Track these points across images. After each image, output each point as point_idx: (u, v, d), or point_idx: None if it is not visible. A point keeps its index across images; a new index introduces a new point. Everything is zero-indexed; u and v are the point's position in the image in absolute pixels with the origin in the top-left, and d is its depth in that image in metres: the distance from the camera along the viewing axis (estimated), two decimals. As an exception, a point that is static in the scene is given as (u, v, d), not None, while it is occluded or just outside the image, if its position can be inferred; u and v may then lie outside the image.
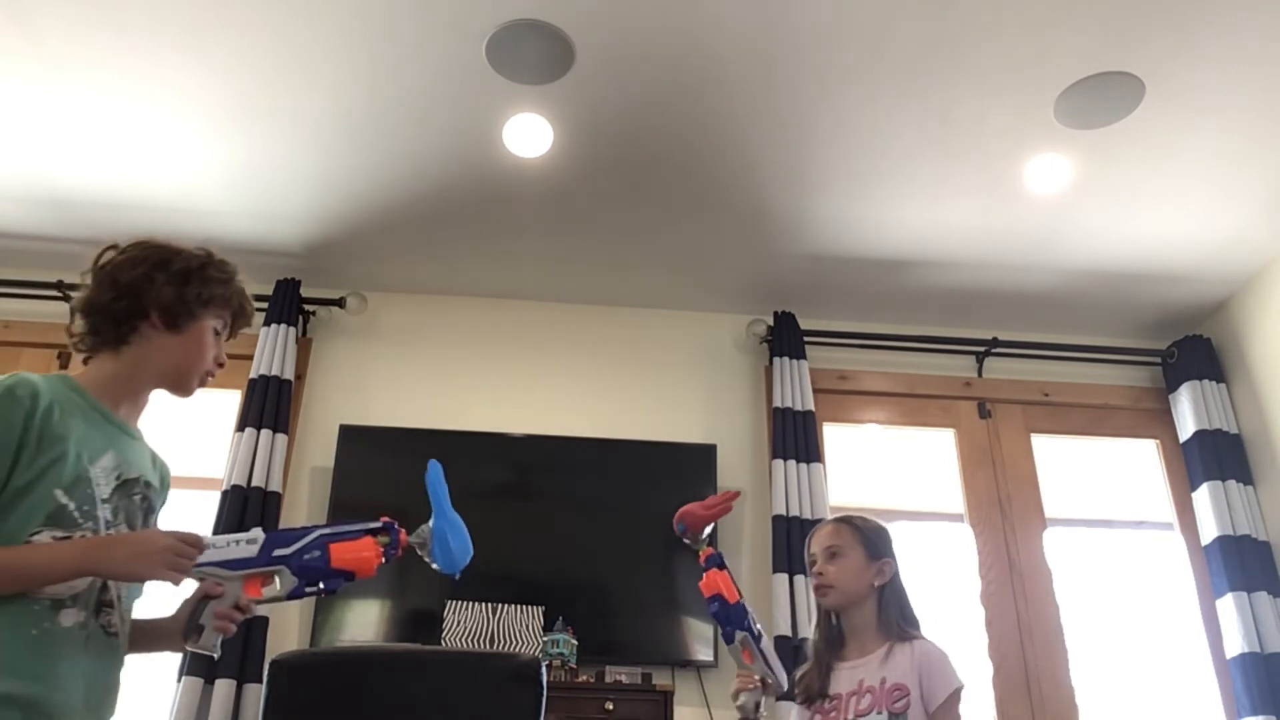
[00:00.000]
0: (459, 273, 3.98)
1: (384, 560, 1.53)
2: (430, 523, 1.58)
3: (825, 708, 2.01)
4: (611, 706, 2.99)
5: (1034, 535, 3.86)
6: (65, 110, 3.17)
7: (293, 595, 1.49)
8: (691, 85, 3.05)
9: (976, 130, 3.20)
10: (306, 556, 1.46)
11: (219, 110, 3.17)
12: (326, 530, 1.49)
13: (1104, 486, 4.06)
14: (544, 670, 1.92)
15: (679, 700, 3.19)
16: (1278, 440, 3.75)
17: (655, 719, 3.00)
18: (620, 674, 3.16)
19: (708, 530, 2.06)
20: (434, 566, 1.58)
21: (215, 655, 1.51)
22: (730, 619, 1.93)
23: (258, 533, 1.47)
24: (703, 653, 3.42)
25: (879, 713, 1.93)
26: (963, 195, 3.48)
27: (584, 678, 3.13)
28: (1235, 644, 3.48)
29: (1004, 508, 3.90)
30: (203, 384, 1.65)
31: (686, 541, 2.05)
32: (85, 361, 1.61)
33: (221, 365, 1.67)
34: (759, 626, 1.97)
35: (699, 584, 1.98)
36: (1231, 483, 3.75)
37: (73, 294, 1.63)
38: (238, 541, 1.42)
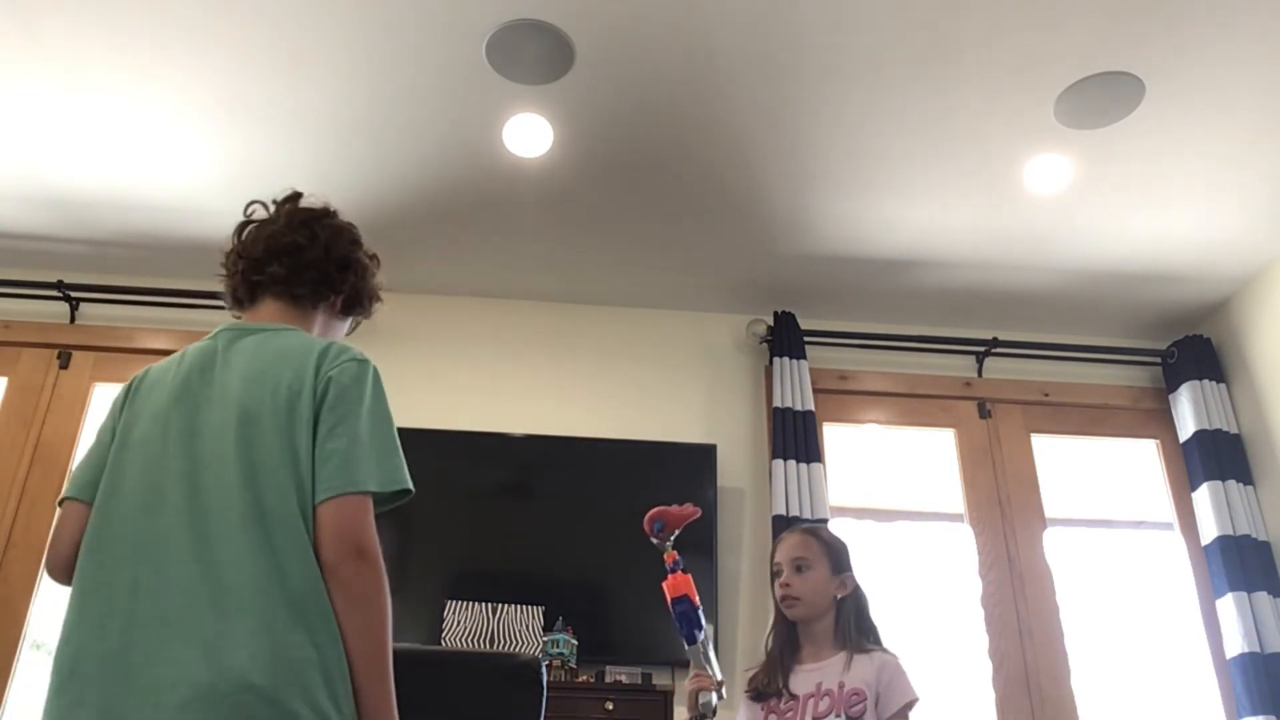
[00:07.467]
0: (459, 273, 3.98)
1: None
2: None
3: (781, 707, 2.12)
4: (611, 706, 2.99)
5: (1034, 535, 3.86)
6: (65, 110, 3.17)
7: None
8: (692, 85, 3.05)
9: (977, 130, 3.20)
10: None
11: (219, 110, 3.17)
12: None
13: (1104, 486, 4.06)
14: (544, 670, 1.92)
15: (679, 700, 3.18)
16: (1278, 440, 3.75)
17: (655, 719, 3.01)
18: (620, 674, 3.17)
19: (675, 533, 2.10)
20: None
21: None
22: (696, 621, 2.03)
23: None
24: (703, 653, 3.42)
25: (837, 715, 2.06)
26: (963, 195, 3.48)
27: (584, 678, 3.13)
28: (1235, 644, 3.48)
29: (1004, 508, 3.90)
30: None
31: (655, 541, 2.07)
32: (240, 305, 1.51)
33: None
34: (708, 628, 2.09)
35: (664, 584, 2.03)
36: (1231, 483, 3.75)
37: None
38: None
